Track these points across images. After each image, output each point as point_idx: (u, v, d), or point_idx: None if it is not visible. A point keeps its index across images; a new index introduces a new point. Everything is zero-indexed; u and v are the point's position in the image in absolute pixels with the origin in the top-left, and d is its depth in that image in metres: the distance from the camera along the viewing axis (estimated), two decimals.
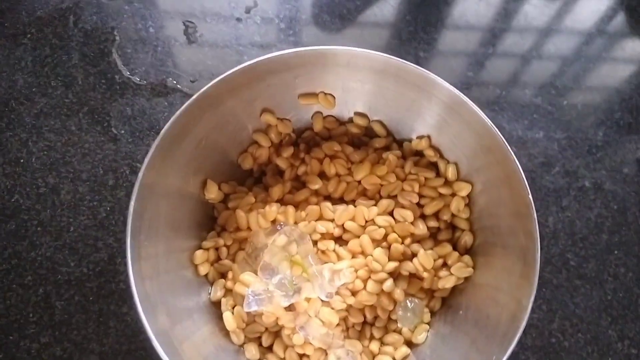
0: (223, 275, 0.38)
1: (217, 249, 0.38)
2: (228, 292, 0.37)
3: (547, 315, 0.41)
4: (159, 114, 0.44)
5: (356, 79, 0.37)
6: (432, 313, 0.38)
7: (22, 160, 0.42)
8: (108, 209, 0.42)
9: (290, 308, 0.36)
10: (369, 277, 0.37)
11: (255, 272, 0.36)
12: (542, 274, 0.32)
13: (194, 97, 0.33)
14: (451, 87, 0.34)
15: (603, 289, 0.42)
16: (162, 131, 0.32)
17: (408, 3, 0.51)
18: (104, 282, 0.40)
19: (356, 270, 0.37)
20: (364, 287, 0.36)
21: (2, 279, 0.39)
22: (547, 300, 0.41)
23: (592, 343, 0.40)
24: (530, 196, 0.32)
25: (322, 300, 0.36)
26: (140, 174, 0.31)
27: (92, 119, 0.44)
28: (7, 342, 0.38)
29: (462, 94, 0.34)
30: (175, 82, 0.45)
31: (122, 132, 0.44)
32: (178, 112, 0.33)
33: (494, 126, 0.33)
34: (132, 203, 0.31)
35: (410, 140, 0.40)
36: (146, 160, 0.32)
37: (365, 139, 0.41)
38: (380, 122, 0.40)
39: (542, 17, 0.52)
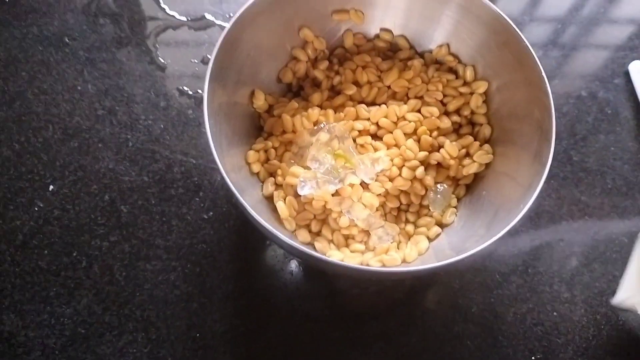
0: (272, 174, 0.43)
1: (266, 151, 0.43)
2: (278, 187, 0.42)
3: (557, 202, 0.46)
4: (200, 45, 0.49)
5: None
6: (458, 199, 0.43)
7: (79, 88, 0.47)
8: (162, 126, 0.46)
9: (335, 194, 0.41)
10: (403, 165, 0.42)
11: (303, 167, 0.41)
12: (549, 168, 0.37)
13: (236, 15, 0.37)
14: None
15: (604, 179, 0.47)
16: (214, 52, 0.36)
17: None
18: (164, 187, 0.44)
19: (392, 159, 0.42)
20: (400, 174, 0.41)
21: (70, 188, 0.44)
22: (556, 190, 0.47)
23: (597, 225, 0.46)
24: (544, 75, 0.37)
25: (364, 187, 0.41)
26: (205, 92, 0.36)
27: (140, 51, 0.48)
28: (80, 242, 0.42)
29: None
30: (212, 17, 0.50)
31: (169, 61, 0.48)
32: (224, 33, 0.37)
33: (507, 17, 0.38)
34: (205, 117, 0.35)
35: (430, 51, 0.45)
36: (206, 79, 0.36)
37: (390, 54, 0.46)
38: (404, 37, 0.45)
39: None
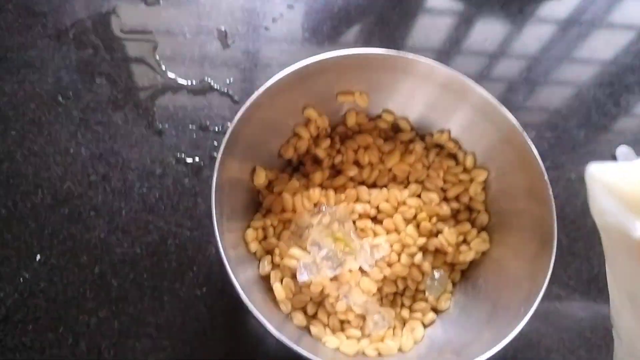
0: (269, 252, 0.42)
1: (264, 228, 0.42)
2: (275, 266, 0.41)
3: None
4: (199, 110, 0.48)
5: (391, 78, 0.43)
6: (453, 284, 0.44)
7: (71, 151, 0.45)
8: (157, 195, 0.45)
9: (334, 279, 0.40)
10: (402, 251, 0.42)
11: (301, 248, 0.41)
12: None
13: (252, 97, 0.38)
14: (485, 92, 0.40)
15: (591, 264, 0.49)
16: (229, 129, 0.37)
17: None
18: (157, 261, 0.43)
19: (391, 245, 0.42)
20: (398, 260, 0.42)
21: (59, 259, 0.42)
22: None
23: (585, 309, 0.47)
24: (547, 178, 0.38)
25: (362, 272, 0.41)
26: (215, 169, 0.35)
27: (137, 114, 0.47)
28: (67, 317, 0.40)
29: (494, 98, 0.40)
30: (212, 82, 0.50)
31: (166, 126, 0.47)
32: (241, 112, 0.37)
33: (517, 123, 0.39)
34: (213, 195, 0.35)
35: (431, 134, 0.45)
36: (219, 155, 0.36)
37: (391, 134, 0.46)
38: (406, 119, 0.45)
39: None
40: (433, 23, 0.59)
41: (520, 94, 0.57)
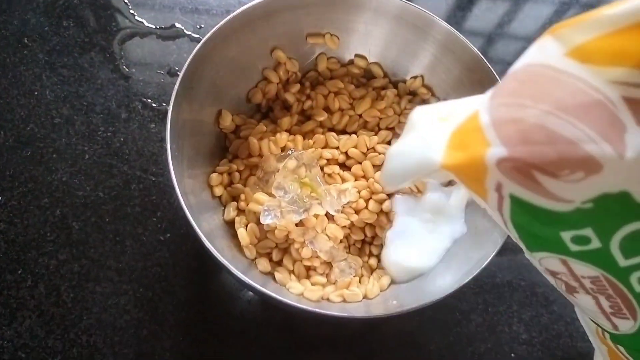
0: (235, 198, 0.41)
1: (229, 174, 0.41)
2: (240, 212, 0.40)
3: None
4: (168, 55, 0.47)
5: (361, 20, 0.41)
6: None
7: (36, 93, 0.44)
8: (122, 139, 0.44)
9: (299, 224, 0.39)
10: (370, 197, 0.41)
11: (267, 194, 0.40)
12: None
13: (211, 31, 0.36)
14: (448, 26, 0.39)
15: None
16: (184, 67, 0.35)
17: None
18: (120, 205, 0.42)
19: (359, 191, 0.41)
20: (366, 206, 0.41)
21: (20, 201, 0.41)
22: None
23: None
24: None
25: (328, 217, 0.40)
26: (170, 107, 0.34)
27: (104, 58, 0.46)
28: (26, 259, 0.40)
29: (457, 32, 0.39)
30: (182, 27, 0.48)
31: (133, 70, 0.46)
32: (197, 47, 0.36)
33: (485, 59, 0.38)
34: (167, 134, 0.34)
35: (404, 81, 0.44)
36: (173, 94, 0.34)
37: (363, 80, 0.45)
38: (378, 64, 0.44)
39: None
40: None
41: None
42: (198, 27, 0.49)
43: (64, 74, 0.45)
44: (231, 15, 0.37)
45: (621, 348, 0.26)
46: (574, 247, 0.20)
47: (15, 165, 0.42)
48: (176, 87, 0.34)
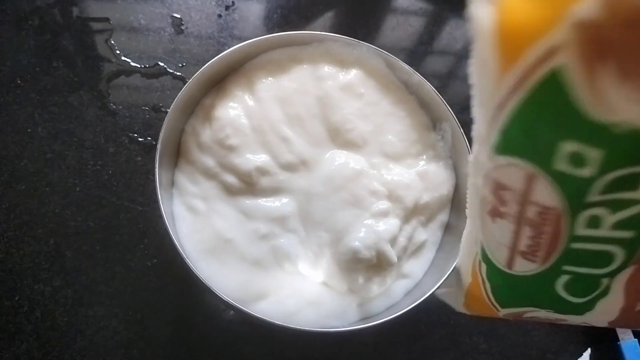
0: None
1: None
2: None
3: None
4: (152, 92, 0.51)
5: None
6: None
7: (29, 130, 0.47)
8: (110, 172, 0.47)
9: None
10: None
11: None
12: None
13: (195, 76, 0.41)
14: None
15: None
16: (172, 107, 0.39)
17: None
18: (109, 234, 0.45)
19: None
20: None
21: (16, 231, 0.44)
22: None
23: None
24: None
25: None
26: (159, 141, 0.38)
27: (92, 96, 0.50)
28: (22, 286, 0.43)
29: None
30: (165, 66, 0.52)
31: (120, 107, 0.50)
32: (183, 90, 0.40)
33: None
34: (156, 166, 0.37)
35: None
36: (163, 127, 0.38)
37: None
38: None
39: None
40: (398, 22, 0.62)
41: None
42: (180, 65, 0.52)
43: (55, 112, 0.48)
44: (207, 64, 0.41)
45: (488, 285, 0.26)
46: (560, 165, 0.17)
47: (11, 198, 0.45)
48: (165, 122, 0.38)
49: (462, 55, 0.61)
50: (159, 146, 0.38)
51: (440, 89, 0.45)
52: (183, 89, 0.40)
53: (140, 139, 0.49)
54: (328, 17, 0.60)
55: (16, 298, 0.42)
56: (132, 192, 0.47)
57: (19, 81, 0.49)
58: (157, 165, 0.37)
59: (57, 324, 0.42)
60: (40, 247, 0.44)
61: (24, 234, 0.44)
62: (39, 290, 0.43)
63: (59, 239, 0.45)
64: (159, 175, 0.38)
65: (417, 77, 0.45)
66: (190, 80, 0.40)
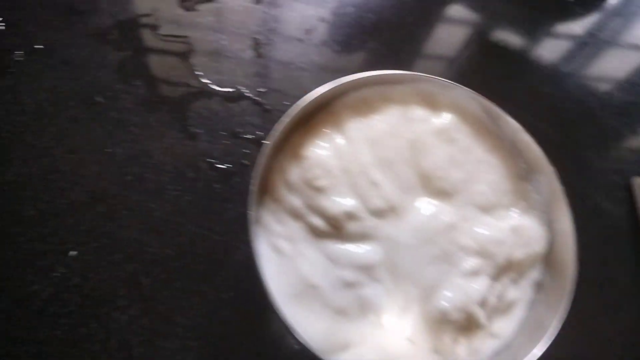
0: None
1: None
2: None
3: None
4: (232, 117, 0.50)
5: None
6: None
7: (108, 150, 0.47)
8: (189, 198, 0.47)
9: None
10: None
11: None
12: None
13: (287, 114, 0.40)
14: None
15: (602, 289, 0.51)
16: (266, 144, 0.38)
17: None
18: (186, 262, 0.45)
19: None
20: None
21: (93, 256, 0.44)
22: None
23: None
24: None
25: None
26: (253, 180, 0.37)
27: (172, 117, 0.49)
28: (99, 314, 0.42)
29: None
30: (245, 90, 0.51)
31: (199, 131, 0.49)
32: (276, 130, 0.39)
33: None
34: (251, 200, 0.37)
35: None
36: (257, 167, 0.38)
37: None
38: None
39: None
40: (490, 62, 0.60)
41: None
42: (260, 90, 0.51)
43: (135, 132, 0.48)
44: (304, 103, 0.40)
45: None
46: None
47: (89, 220, 0.45)
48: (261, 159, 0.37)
49: (560, 97, 0.60)
50: (253, 187, 0.37)
51: (536, 135, 0.43)
52: (277, 129, 0.39)
53: (218, 165, 0.48)
54: (415, 49, 0.58)
55: (92, 325, 0.42)
56: (210, 220, 0.46)
57: (98, 98, 0.48)
58: (251, 203, 0.37)
59: (132, 355, 0.41)
60: (118, 273, 0.44)
61: (102, 258, 0.44)
62: (115, 318, 0.42)
63: (137, 266, 0.44)
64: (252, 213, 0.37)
65: (513, 123, 0.43)
66: (284, 119, 0.39)
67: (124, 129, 0.48)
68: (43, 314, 0.41)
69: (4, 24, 0.49)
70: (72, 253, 0.43)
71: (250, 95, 0.51)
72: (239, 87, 0.51)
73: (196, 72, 0.51)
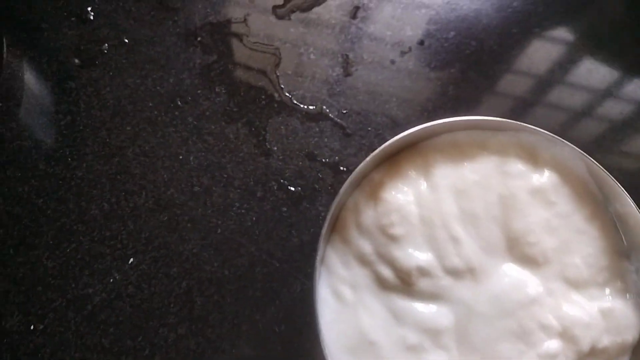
0: None
1: None
2: None
3: None
4: (310, 137, 0.47)
5: None
6: None
7: (180, 157, 0.45)
8: (254, 218, 0.44)
9: None
10: None
11: None
12: None
13: (373, 154, 0.37)
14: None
15: None
16: (345, 183, 0.36)
17: None
18: (242, 286, 0.43)
19: None
20: None
21: (150, 266, 0.42)
22: None
23: None
24: None
25: None
26: (330, 210, 0.34)
27: (249, 131, 0.47)
28: (147, 327, 0.41)
29: None
30: (327, 110, 0.48)
31: (275, 148, 0.46)
32: (359, 167, 0.37)
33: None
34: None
35: None
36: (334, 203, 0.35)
37: None
38: None
39: None
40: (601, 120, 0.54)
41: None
42: (342, 111, 0.48)
43: (210, 142, 0.46)
44: (391, 140, 0.37)
45: None
46: None
47: (152, 228, 0.43)
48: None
49: None
50: (326, 224, 0.34)
51: None
52: (360, 165, 0.36)
53: (289, 187, 0.45)
54: (522, 94, 0.53)
55: (139, 339, 0.41)
56: (272, 245, 0.44)
57: (179, 102, 0.47)
58: (321, 239, 0.34)
59: None
60: (172, 288, 0.42)
61: (158, 270, 0.42)
62: (162, 334, 0.41)
63: (192, 283, 0.42)
64: (320, 251, 0.34)
65: (620, 192, 0.38)
66: (368, 158, 0.36)
67: (199, 137, 0.46)
68: (93, 319, 0.41)
69: (92, 13, 0.49)
70: (131, 261, 0.42)
71: (332, 116, 0.48)
72: (321, 105, 0.48)
73: (280, 85, 0.48)
